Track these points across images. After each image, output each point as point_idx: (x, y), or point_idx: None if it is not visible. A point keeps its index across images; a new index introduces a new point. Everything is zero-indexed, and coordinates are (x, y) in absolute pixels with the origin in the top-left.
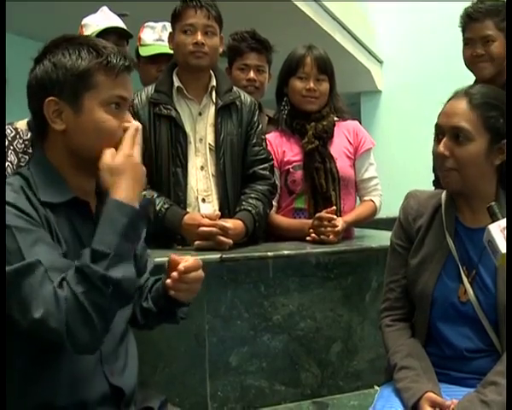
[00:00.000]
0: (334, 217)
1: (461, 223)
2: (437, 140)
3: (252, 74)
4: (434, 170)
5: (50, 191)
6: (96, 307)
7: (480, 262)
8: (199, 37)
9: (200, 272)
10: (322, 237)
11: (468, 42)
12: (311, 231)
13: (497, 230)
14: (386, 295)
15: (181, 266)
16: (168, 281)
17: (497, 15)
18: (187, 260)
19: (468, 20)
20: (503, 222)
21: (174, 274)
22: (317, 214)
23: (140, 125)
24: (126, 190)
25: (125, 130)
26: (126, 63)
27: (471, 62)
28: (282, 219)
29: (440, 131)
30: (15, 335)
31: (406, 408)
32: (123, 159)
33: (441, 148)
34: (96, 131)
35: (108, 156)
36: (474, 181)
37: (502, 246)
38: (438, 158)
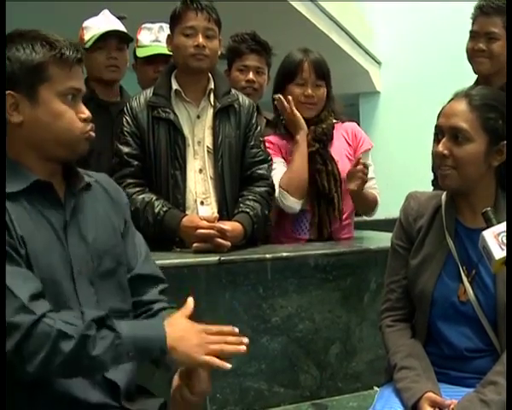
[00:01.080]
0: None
1: (461, 223)
2: (436, 140)
3: (251, 76)
4: (434, 170)
5: (11, 181)
6: (56, 350)
7: (479, 262)
8: (200, 39)
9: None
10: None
11: (473, 35)
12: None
13: (491, 236)
14: (387, 296)
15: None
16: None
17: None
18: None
19: (478, 13)
20: (497, 228)
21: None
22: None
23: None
24: (177, 343)
25: (81, 118)
26: (79, 55)
27: (471, 55)
28: (287, 169)
29: (440, 132)
30: None
31: (406, 408)
32: (199, 343)
33: (440, 147)
34: (54, 122)
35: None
36: (472, 181)
37: (496, 252)
38: (437, 157)
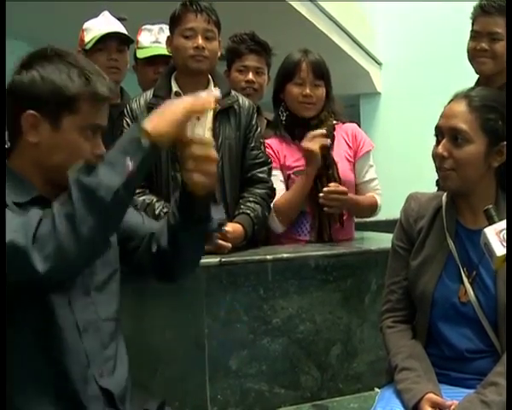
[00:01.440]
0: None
1: (461, 224)
2: (436, 142)
3: (250, 76)
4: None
5: (15, 192)
6: (67, 216)
7: (480, 263)
8: (199, 41)
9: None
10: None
11: (474, 35)
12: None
13: (493, 233)
14: (388, 297)
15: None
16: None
17: None
18: None
19: (480, 13)
20: (498, 225)
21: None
22: (325, 189)
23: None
24: (153, 120)
25: (95, 154)
26: (109, 94)
27: (473, 55)
28: (282, 198)
29: (440, 133)
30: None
31: (407, 409)
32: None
33: (440, 149)
34: (68, 151)
35: None
36: (473, 182)
37: (497, 249)
38: (436, 159)
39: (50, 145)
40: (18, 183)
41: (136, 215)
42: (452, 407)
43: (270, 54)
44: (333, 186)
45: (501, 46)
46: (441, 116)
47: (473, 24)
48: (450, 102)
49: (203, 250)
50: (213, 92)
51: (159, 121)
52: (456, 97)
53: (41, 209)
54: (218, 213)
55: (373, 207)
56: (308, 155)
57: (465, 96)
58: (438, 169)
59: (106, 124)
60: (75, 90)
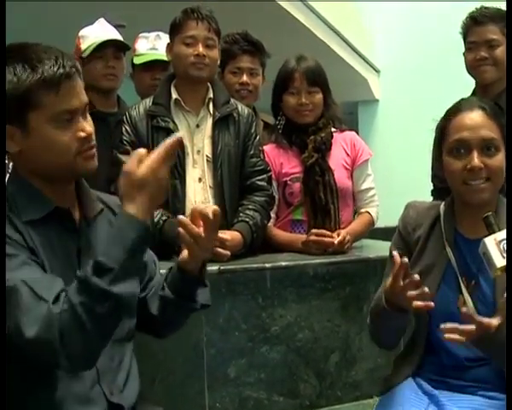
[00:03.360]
0: (333, 234)
1: (460, 234)
2: (458, 155)
3: (245, 78)
4: (433, 180)
5: (31, 208)
6: (93, 318)
7: (479, 273)
8: (200, 49)
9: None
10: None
11: (471, 46)
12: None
13: (493, 243)
14: None
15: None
16: (181, 218)
17: (501, 21)
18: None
19: (472, 24)
20: (498, 235)
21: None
22: (314, 230)
23: (181, 138)
24: (142, 205)
25: (78, 138)
26: (66, 71)
27: (473, 66)
28: (275, 232)
29: (465, 146)
30: (12, 356)
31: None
32: (147, 172)
33: (477, 161)
34: (47, 150)
35: (132, 164)
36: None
37: (497, 260)
38: (471, 172)
39: (30, 149)
40: (30, 196)
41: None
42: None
43: (264, 53)
44: (319, 233)
45: (500, 51)
46: (463, 129)
47: (465, 36)
48: (460, 114)
49: (186, 320)
50: (177, 136)
51: (149, 209)
52: (468, 109)
53: (59, 222)
54: (204, 295)
55: (369, 226)
56: (306, 248)
57: (479, 106)
58: (469, 182)
59: (80, 102)
60: (23, 85)
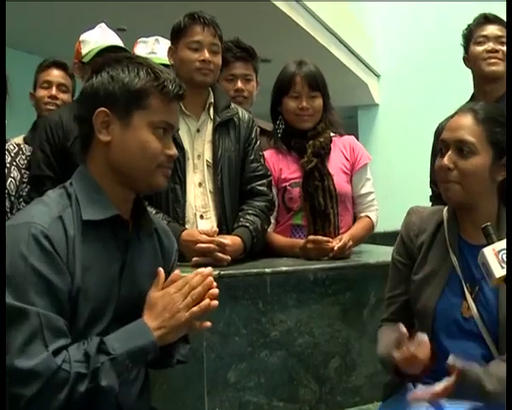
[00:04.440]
0: (330, 240)
1: (463, 239)
2: (440, 155)
3: (239, 84)
4: (431, 185)
5: (93, 208)
6: (74, 392)
7: (482, 279)
8: (206, 54)
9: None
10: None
11: (480, 40)
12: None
13: (492, 253)
14: (386, 309)
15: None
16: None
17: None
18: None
19: (484, 21)
20: (497, 245)
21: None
22: (311, 237)
23: (211, 281)
24: (161, 329)
25: (166, 153)
26: (180, 92)
27: (482, 58)
28: (274, 237)
29: (444, 146)
30: None
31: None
32: (175, 311)
33: (445, 160)
34: (138, 149)
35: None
36: (476, 195)
37: (496, 270)
38: (441, 171)
39: (122, 143)
40: (94, 196)
41: None
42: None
43: (256, 59)
44: (319, 239)
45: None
46: (446, 130)
47: (473, 33)
48: (454, 116)
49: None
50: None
51: (167, 335)
52: (460, 111)
53: (113, 230)
54: (183, 350)
55: (369, 230)
56: (304, 253)
57: (470, 109)
58: (441, 182)
59: (177, 124)
60: (143, 85)
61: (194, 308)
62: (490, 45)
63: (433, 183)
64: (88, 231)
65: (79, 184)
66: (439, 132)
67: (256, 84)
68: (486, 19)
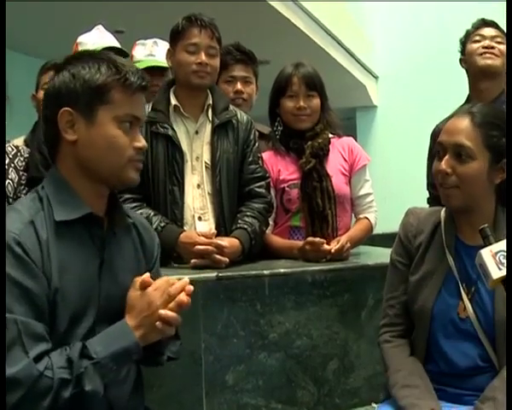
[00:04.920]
0: (325, 241)
1: (460, 240)
2: (438, 158)
3: (239, 86)
4: (428, 187)
5: (65, 208)
6: (58, 398)
7: (479, 279)
8: (203, 57)
9: (187, 298)
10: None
11: (478, 38)
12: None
13: (489, 255)
14: (386, 312)
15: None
16: None
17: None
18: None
19: (483, 24)
20: (495, 247)
21: None
22: (309, 239)
23: (187, 281)
24: (142, 329)
25: (135, 147)
26: (143, 83)
27: (478, 53)
28: (272, 239)
29: (442, 149)
30: None
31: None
32: (154, 309)
33: (443, 165)
34: (105, 146)
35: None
36: (475, 199)
37: (493, 272)
38: (439, 175)
39: (88, 141)
40: (66, 197)
41: None
42: None
43: (256, 63)
44: (316, 242)
45: (505, 49)
46: (443, 132)
47: (471, 35)
48: (451, 118)
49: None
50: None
51: (149, 334)
52: (457, 114)
53: (87, 228)
54: (173, 347)
55: (368, 231)
56: (303, 255)
57: (468, 112)
58: (440, 186)
59: (143, 116)
60: (104, 79)
61: (171, 304)
62: (486, 42)
63: (430, 185)
64: (62, 232)
65: (51, 186)
66: (435, 134)
67: (256, 89)
68: (484, 22)
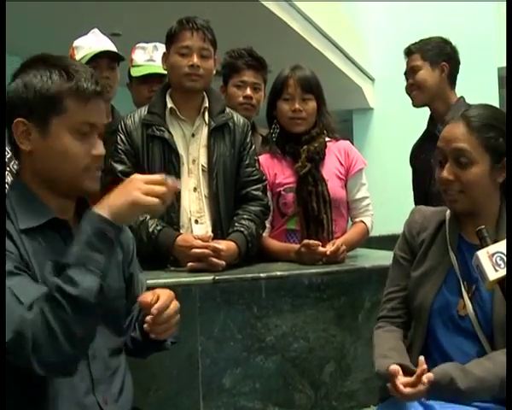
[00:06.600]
0: (320, 244)
1: (464, 239)
2: (440, 166)
3: (249, 91)
4: (415, 200)
5: (28, 216)
6: (60, 322)
7: (479, 278)
8: (195, 59)
9: (174, 306)
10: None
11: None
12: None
13: (486, 256)
14: (384, 305)
15: (154, 310)
16: (145, 326)
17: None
18: (157, 297)
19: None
20: (491, 248)
21: (148, 319)
22: (305, 241)
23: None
24: (112, 207)
25: (91, 155)
26: (98, 89)
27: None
28: (269, 242)
29: (442, 156)
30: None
31: (378, 373)
32: (129, 189)
33: (445, 173)
34: (60, 156)
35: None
36: (480, 201)
37: (490, 273)
38: (442, 183)
39: (43, 151)
40: (29, 204)
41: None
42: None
43: (266, 70)
44: (312, 244)
45: (420, 75)
46: (441, 139)
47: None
48: (447, 125)
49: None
50: (175, 183)
51: (119, 206)
52: (452, 119)
53: (58, 231)
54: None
55: (364, 235)
56: (299, 258)
57: (462, 117)
58: (444, 192)
59: (102, 121)
60: (56, 88)
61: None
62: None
63: (416, 203)
64: (29, 239)
65: (13, 193)
66: (413, 157)
67: (263, 95)
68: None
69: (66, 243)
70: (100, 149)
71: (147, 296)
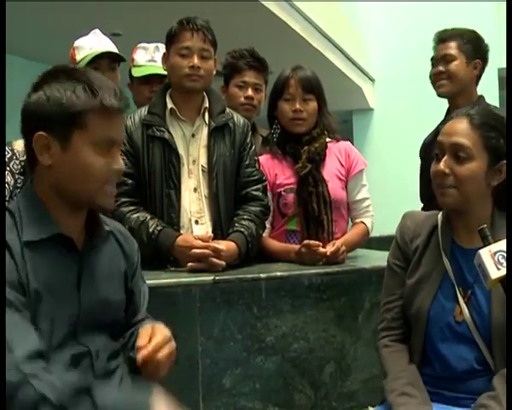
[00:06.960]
0: (320, 244)
1: (457, 243)
2: (436, 159)
3: (250, 92)
4: (422, 200)
5: (33, 229)
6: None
7: (475, 283)
8: (195, 60)
9: (168, 349)
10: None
11: (432, 62)
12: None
13: (488, 255)
14: (384, 316)
15: (139, 359)
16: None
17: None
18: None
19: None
20: (493, 247)
21: (139, 358)
22: (305, 242)
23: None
24: None
25: (111, 169)
26: (120, 106)
27: (433, 80)
28: (269, 243)
29: (440, 150)
30: None
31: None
32: None
33: (441, 165)
34: (81, 170)
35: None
36: (472, 200)
37: (492, 272)
38: (437, 176)
39: (63, 166)
40: (37, 215)
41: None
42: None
43: (267, 71)
44: (312, 244)
45: (454, 65)
46: (442, 133)
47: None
48: (449, 121)
49: None
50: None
51: None
52: (456, 116)
53: (60, 247)
54: None
55: (364, 236)
56: (299, 258)
57: (466, 114)
58: (437, 187)
59: (121, 136)
60: (80, 105)
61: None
62: (437, 68)
63: (422, 197)
64: (32, 252)
65: (23, 200)
66: (425, 148)
67: (264, 96)
68: (438, 38)
69: (70, 253)
70: (120, 163)
71: (142, 338)
